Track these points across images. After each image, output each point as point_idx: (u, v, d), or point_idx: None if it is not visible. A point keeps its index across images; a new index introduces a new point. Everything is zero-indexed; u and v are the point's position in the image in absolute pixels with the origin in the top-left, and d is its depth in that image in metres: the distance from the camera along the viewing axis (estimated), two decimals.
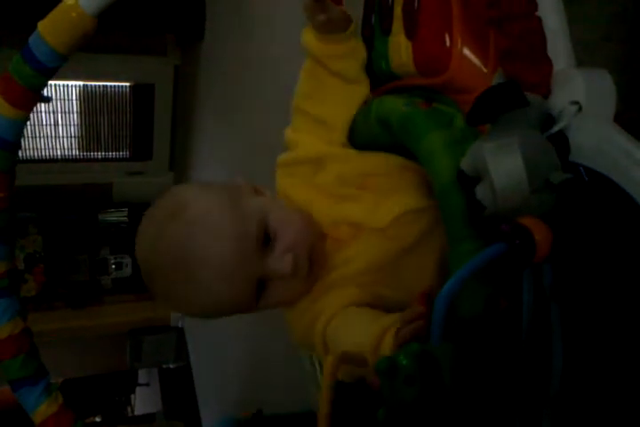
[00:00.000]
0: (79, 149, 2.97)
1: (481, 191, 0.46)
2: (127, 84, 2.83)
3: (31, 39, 0.73)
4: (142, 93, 2.85)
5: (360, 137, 0.66)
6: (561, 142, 0.48)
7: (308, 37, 0.65)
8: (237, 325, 2.14)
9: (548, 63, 0.52)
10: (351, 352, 0.49)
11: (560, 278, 0.45)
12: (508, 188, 0.44)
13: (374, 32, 0.66)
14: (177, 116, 2.94)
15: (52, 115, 2.80)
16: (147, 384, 3.58)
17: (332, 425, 0.44)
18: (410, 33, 0.61)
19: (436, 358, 0.40)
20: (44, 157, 2.87)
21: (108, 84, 2.81)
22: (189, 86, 2.71)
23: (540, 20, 0.52)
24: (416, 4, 0.60)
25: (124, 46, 2.62)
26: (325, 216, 0.64)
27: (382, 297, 0.61)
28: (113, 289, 3.02)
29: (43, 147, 2.86)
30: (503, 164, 0.44)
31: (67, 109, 2.81)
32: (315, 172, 0.66)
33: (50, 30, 0.72)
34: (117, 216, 3.00)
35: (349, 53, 0.65)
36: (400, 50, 0.62)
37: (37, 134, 2.81)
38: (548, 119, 0.49)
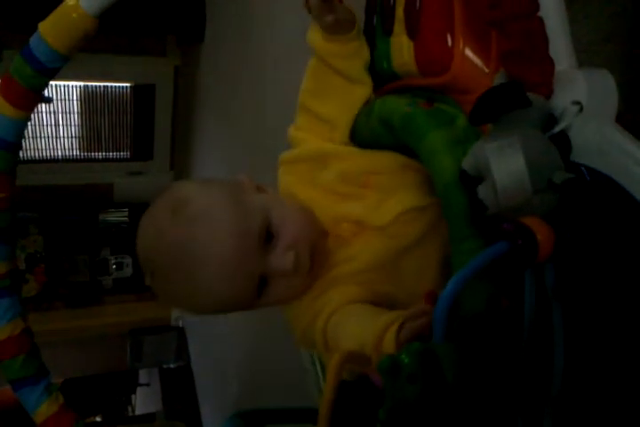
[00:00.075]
0: (80, 149, 2.98)
1: (483, 191, 0.46)
2: (128, 84, 2.84)
3: (32, 40, 0.73)
4: (143, 94, 2.85)
5: (362, 137, 0.66)
6: (563, 142, 0.48)
7: (314, 37, 0.65)
8: (238, 325, 2.14)
9: (550, 63, 0.52)
10: (356, 352, 0.48)
11: (562, 278, 0.45)
12: (511, 187, 0.44)
13: (376, 32, 0.67)
14: (177, 117, 2.95)
15: (52, 115, 2.81)
16: (147, 384, 3.58)
17: (332, 425, 0.44)
18: (411, 33, 0.61)
19: (439, 356, 0.40)
20: (44, 158, 2.88)
21: (109, 84, 2.82)
22: (189, 87, 2.71)
23: (541, 20, 0.52)
24: (418, 5, 0.60)
25: (124, 47, 2.63)
26: (327, 214, 0.64)
27: (383, 295, 0.61)
28: (113, 289, 3.02)
29: (43, 147, 2.86)
30: (505, 164, 0.44)
31: (67, 110, 2.82)
32: (317, 169, 0.65)
33: (51, 31, 0.72)
34: (118, 216, 3.01)
35: (354, 53, 0.65)
36: (402, 50, 0.62)
37: (38, 135, 2.82)
38: (550, 119, 0.49)
